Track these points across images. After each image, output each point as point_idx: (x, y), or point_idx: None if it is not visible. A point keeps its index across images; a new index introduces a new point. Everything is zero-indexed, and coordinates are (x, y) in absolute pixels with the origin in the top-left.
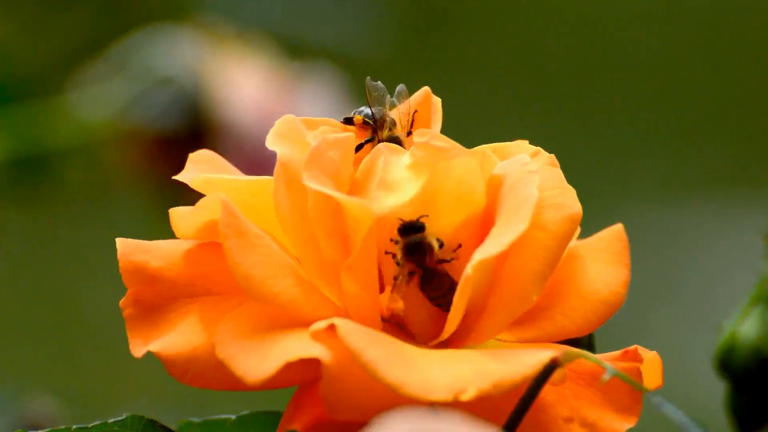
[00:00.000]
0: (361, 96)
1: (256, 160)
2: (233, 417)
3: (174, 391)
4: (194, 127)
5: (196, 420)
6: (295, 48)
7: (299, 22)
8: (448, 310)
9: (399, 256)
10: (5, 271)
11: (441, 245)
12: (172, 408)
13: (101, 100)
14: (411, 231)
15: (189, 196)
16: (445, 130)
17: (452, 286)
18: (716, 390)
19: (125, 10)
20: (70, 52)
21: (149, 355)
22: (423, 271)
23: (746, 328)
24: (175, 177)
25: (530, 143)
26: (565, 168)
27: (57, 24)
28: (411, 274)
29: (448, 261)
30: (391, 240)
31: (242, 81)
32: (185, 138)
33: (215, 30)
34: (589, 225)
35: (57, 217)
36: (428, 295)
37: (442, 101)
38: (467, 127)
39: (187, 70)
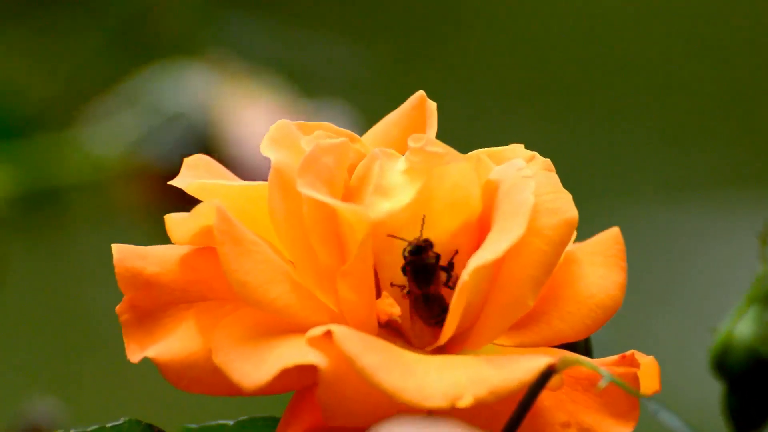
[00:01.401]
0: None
1: None
2: (231, 422)
3: (175, 395)
4: None
5: (194, 426)
6: (306, 84)
7: (306, 55)
8: (439, 326)
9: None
10: (11, 295)
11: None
12: (173, 411)
13: (111, 136)
14: (419, 252)
15: None
16: (446, 131)
17: (444, 308)
18: (717, 391)
19: (136, 45)
20: (81, 87)
21: (150, 360)
22: (421, 293)
23: (742, 329)
24: (170, 183)
25: (529, 144)
26: (565, 168)
27: (68, 58)
28: (408, 293)
29: (451, 287)
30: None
31: (253, 118)
32: None
33: (226, 66)
34: (589, 225)
35: (64, 247)
36: (420, 314)
37: (444, 102)
38: (467, 127)
39: (198, 106)
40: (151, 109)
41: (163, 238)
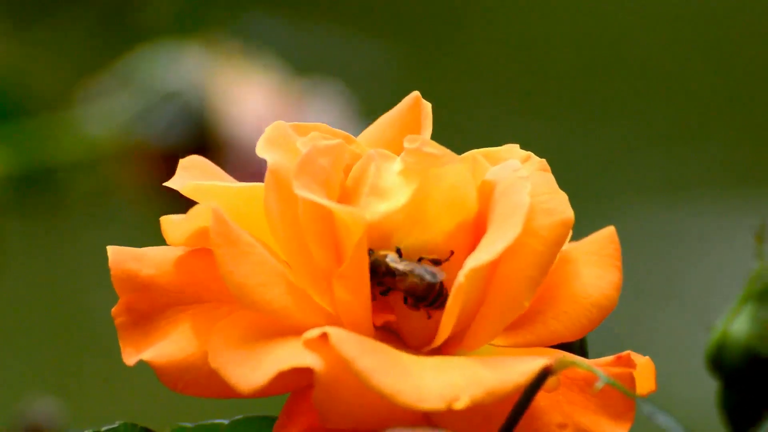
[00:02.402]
0: (365, 112)
1: (260, 177)
2: (226, 422)
3: (172, 395)
4: (199, 143)
5: (189, 425)
6: (301, 64)
7: (304, 38)
8: (439, 308)
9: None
10: (7, 277)
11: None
12: (171, 410)
13: (106, 116)
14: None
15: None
16: (447, 131)
17: (430, 289)
18: (714, 389)
19: (131, 25)
20: (75, 67)
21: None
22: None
23: (737, 327)
24: (165, 184)
25: (528, 143)
26: (565, 168)
27: (62, 39)
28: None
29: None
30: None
31: (248, 97)
32: (190, 154)
33: (221, 46)
34: (589, 225)
35: (60, 228)
36: (418, 294)
37: (444, 102)
38: (467, 127)
39: (193, 85)
40: (145, 89)
41: (157, 219)
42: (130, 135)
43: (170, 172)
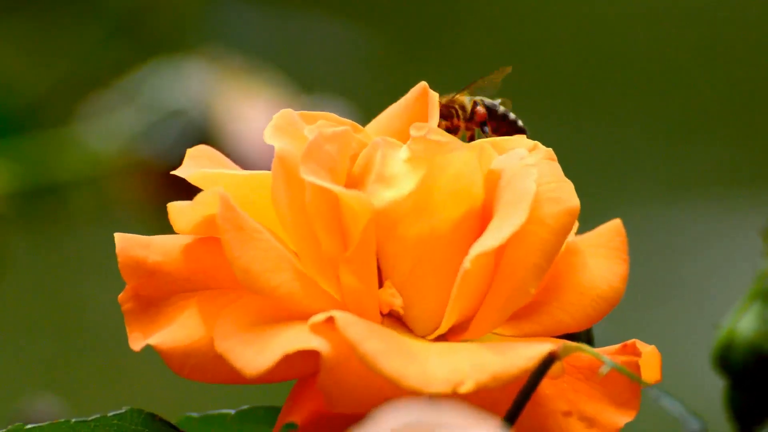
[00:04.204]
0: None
1: None
2: (233, 412)
3: (173, 391)
4: None
5: (195, 415)
6: (304, 80)
7: (305, 47)
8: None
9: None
10: (11, 290)
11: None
12: (172, 408)
13: (110, 131)
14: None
15: None
16: None
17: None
18: (716, 387)
19: (135, 40)
20: (79, 83)
21: (149, 356)
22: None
23: (744, 325)
24: (173, 172)
25: None
26: (565, 168)
27: (66, 54)
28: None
29: None
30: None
31: (251, 114)
32: None
33: (225, 62)
34: (589, 225)
35: (63, 243)
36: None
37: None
38: None
39: (197, 102)
40: (149, 105)
41: (161, 234)
42: (134, 151)
43: (173, 189)
